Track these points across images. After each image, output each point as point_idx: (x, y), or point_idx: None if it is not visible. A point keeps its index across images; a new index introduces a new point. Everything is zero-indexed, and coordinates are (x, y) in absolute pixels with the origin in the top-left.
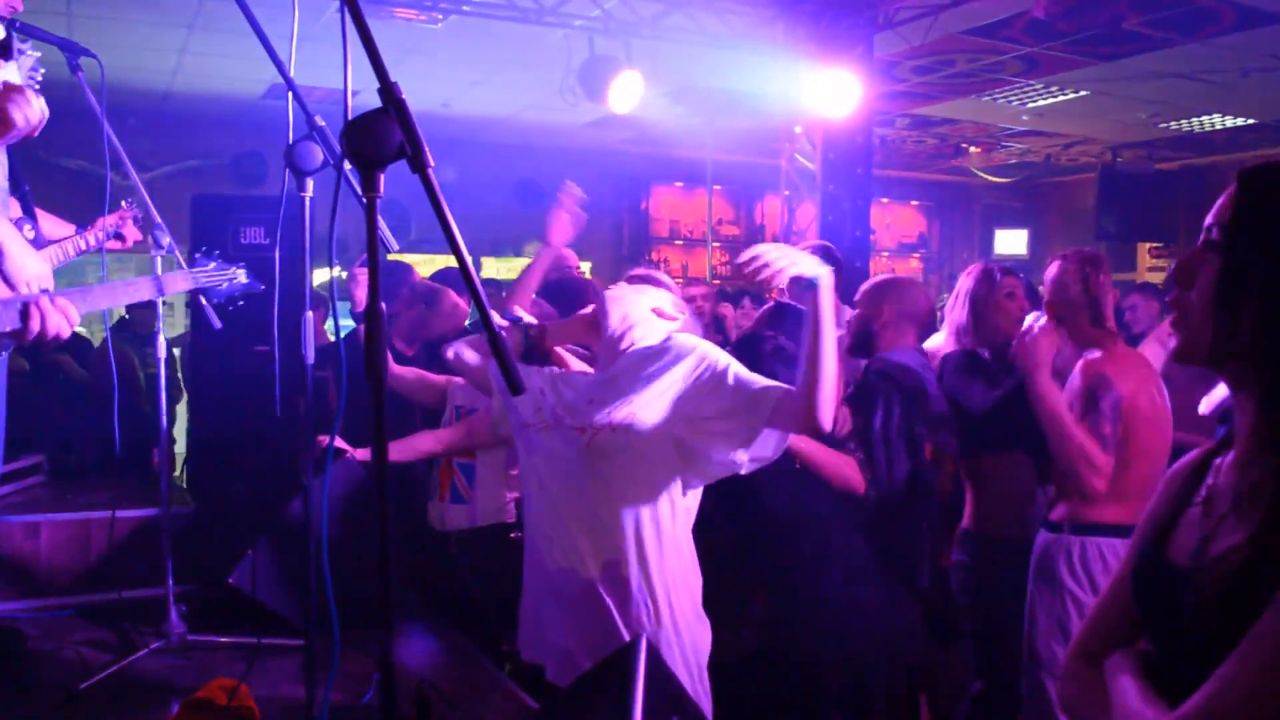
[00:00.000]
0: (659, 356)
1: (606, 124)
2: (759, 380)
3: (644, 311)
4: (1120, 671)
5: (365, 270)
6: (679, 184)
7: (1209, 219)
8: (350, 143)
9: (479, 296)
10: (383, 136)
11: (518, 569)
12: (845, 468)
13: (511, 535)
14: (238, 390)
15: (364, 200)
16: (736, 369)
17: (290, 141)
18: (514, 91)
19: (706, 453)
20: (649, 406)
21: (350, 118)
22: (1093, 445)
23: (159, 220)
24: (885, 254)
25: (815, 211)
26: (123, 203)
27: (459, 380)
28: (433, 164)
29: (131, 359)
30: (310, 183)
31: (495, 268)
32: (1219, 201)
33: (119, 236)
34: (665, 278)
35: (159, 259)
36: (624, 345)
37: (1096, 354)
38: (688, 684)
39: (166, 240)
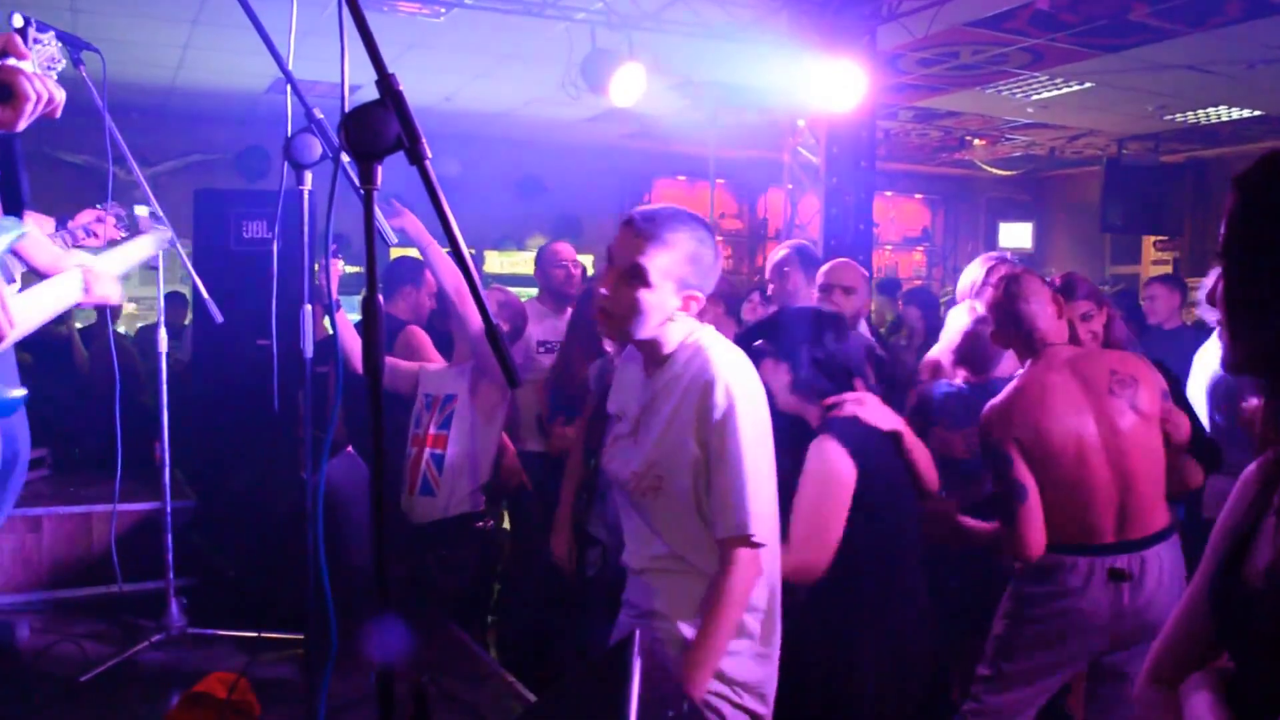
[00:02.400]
0: (676, 383)
1: (609, 118)
2: (740, 490)
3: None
4: (1196, 694)
5: (336, 262)
6: (682, 178)
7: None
8: (347, 134)
9: (476, 289)
10: (380, 128)
11: (483, 559)
12: (933, 466)
13: (477, 525)
14: (238, 384)
15: (362, 193)
16: (730, 443)
17: (288, 135)
18: (516, 85)
19: None
20: (669, 458)
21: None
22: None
23: (160, 214)
24: (889, 247)
25: (818, 205)
26: (98, 205)
27: (431, 366)
28: (430, 156)
29: (132, 352)
30: (309, 176)
31: (498, 262)
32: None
33: (93, 234)
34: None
35: (160, 253)
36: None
37: (994, 401)
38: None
39: (168, 234)
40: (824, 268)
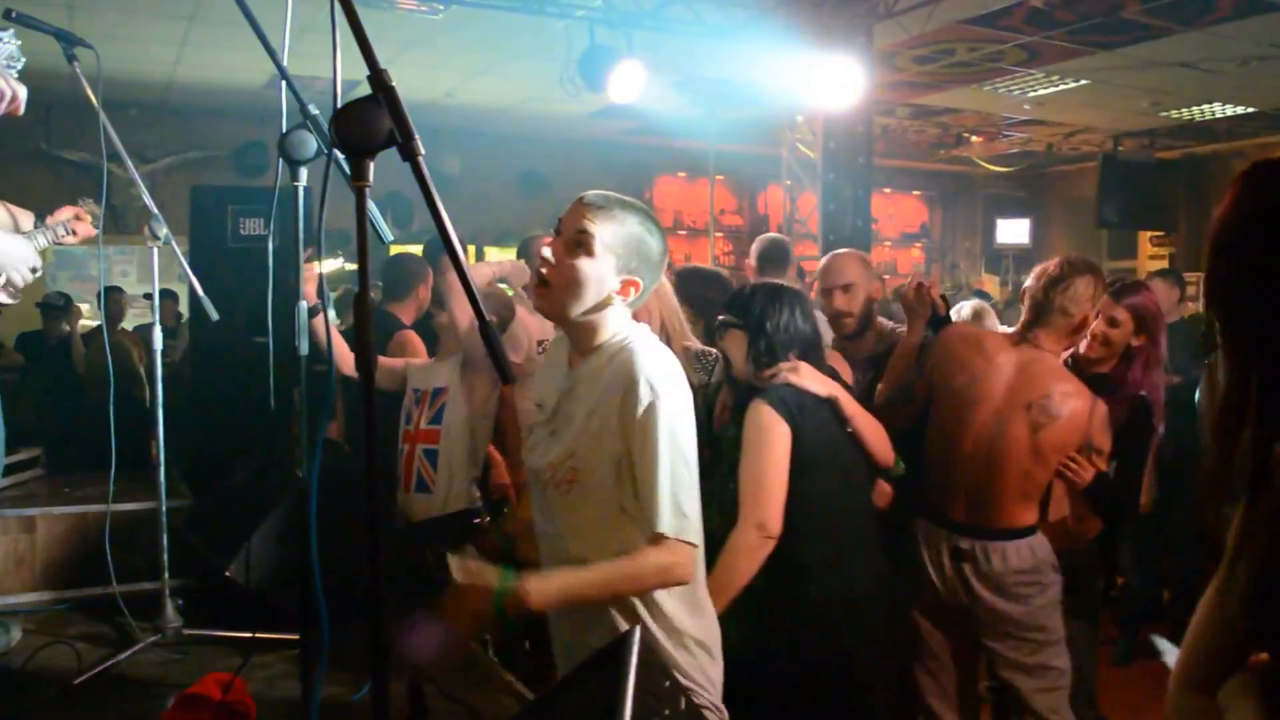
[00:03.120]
0: (599, 376)
1: (609, 114)
2: (661, 496)
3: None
4: (1240, 701)
5: (313, 264)
6: (682, 174)
7: None
8: (339, 131)
9: (468, 284)
10: (372, 124)
11: (481, 556)
12: (885, 437)
13: (475, 521)
14: (235, 382)
15: (355, 189)
16: (652, 441)
17: (283, 131)
18: (516, 82)
19: None
20: (588, 450)
21: (340, 105)
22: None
23: (156, 211)
24: (887, 243)
25: (817, 201)
26: (79, 200)
27: (418, 361)
28: (423, 152)
29: (132, 350)
30: (304, 172)
31: (499, 258)
32: None
33: (72, 232)
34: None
35: (156, 250)
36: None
37: (954, 328)
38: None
39: (164, 231)
40: (819, 267)
